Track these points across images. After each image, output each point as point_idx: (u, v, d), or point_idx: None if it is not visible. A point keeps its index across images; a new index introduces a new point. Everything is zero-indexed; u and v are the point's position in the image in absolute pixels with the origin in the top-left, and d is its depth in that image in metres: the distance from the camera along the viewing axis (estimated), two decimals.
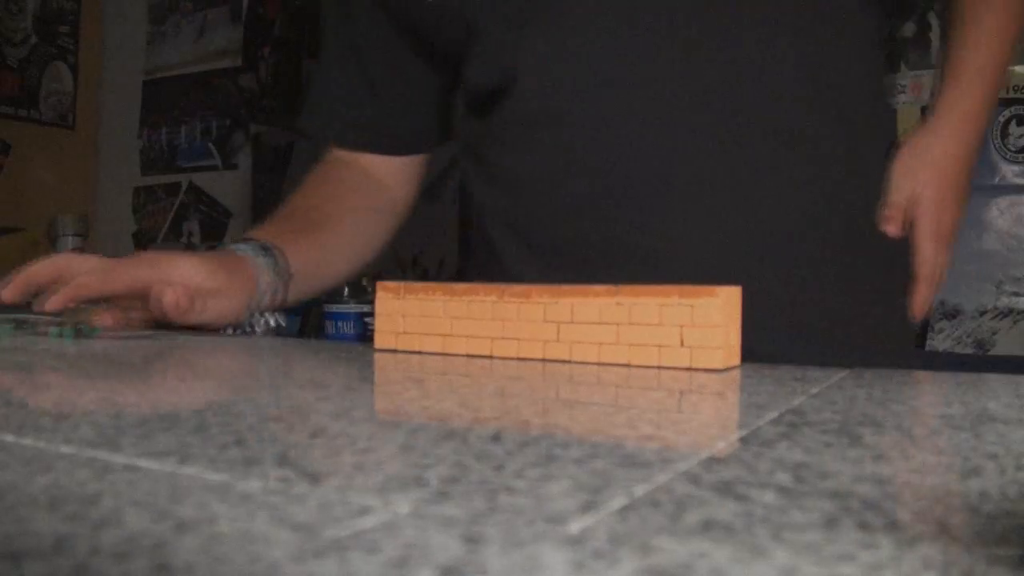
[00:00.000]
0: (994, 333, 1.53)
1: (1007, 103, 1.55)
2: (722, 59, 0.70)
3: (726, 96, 0.70)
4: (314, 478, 0.21)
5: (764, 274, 0.68)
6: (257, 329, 0.78)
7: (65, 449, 0.24)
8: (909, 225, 0.73)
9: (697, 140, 0.70)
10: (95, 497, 0.19)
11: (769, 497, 0.19)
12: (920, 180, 0.73)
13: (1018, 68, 1.54)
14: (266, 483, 0.20)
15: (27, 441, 0.25)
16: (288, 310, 1.98)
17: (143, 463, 0.22)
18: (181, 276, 0.70)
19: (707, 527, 0.17)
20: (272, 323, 0.79)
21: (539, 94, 0.74)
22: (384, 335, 0.55)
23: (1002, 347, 1.52)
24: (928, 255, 0.73)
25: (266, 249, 0.78)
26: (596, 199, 0.72)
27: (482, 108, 0.80)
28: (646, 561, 0.15)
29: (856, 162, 0.75)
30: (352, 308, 1.78)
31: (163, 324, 0.71)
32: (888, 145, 0.78)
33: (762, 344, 0.51)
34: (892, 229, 0.73)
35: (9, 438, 0.26)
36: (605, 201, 0.72)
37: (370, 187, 0.92)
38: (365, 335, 1.72)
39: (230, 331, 0.76)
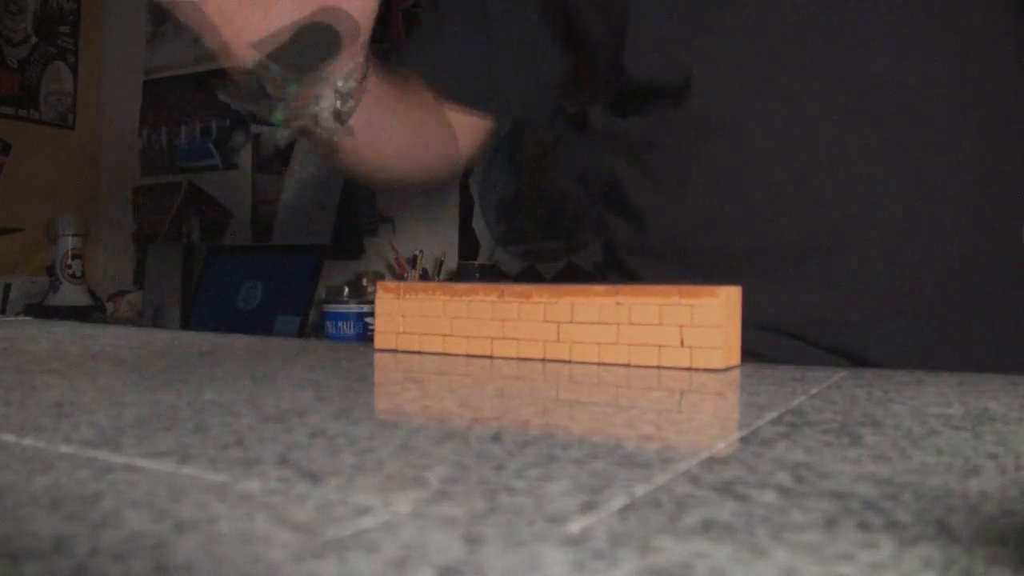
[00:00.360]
0: None
1: None
2: (893, 57, 0.66)
3: (899, 95, 0.66)
4: (314, 478, 0.21)
5: (945, 277, 0.65)
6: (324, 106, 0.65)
7: (65, 449, 0.24)
8: None
9: (871, 143, 0.66)
10: (95, 497, 0.19)
11: (769, 497, 0.19)
12: None
13: None
14: (266, 483, 0.20)
15: (27, 441, 0.25)
16: (286, 310, 1.98)
17: (143, 463, 0.22)
18: None
19: (707, 527, 0.17)
20: (340, 105, 0.65)
21: (716, 97, 0.69)
22: (384, 335, 0.55)
23: None
24: None
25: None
26: (773, 208, 0.67)
27: (637, 105, 0.75)
28: (646, 561, 0.15)
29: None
30: (352, 308, 1.78)
31: None
32: None
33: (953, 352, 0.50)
34: None
35: (9, 438, 0.26)
36: (782, 209, 0.67)
37: (439, 114, 0.85)
38: (365, 335, 1.72)
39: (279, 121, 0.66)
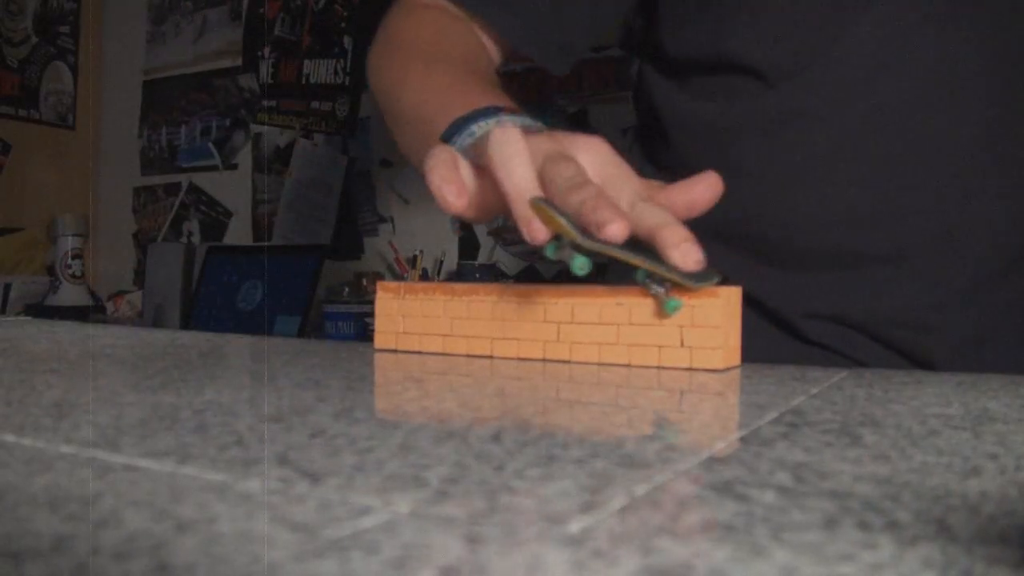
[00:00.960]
0: None
1: None
2: (984, 52, 0.64)
3: (983, 91, 0.64)
4: (314, 478, 0.21)
5: (998, 276, 0.65)
6: None
7: (65, 449, 0.24)
8: None
9: (957, 139, 0.64)
10: (95, 497, 0.19)
11: (769, 497, 0.19)
12: None
13: None
14: (266, 483, 0.20)
15: (27, 441, 0.26)
16: (287, 310, 1.97)
17: (143, 463, 0.22)
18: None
19: (707, 527, 0.17)
20: None
21: (805, 89, 0.66)
22: (384, 335, 0.55)
23: None
24: None
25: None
26: (844, 209, 0.66)
27: (721, 90, 0.71)
28: (646, 561, 0.15)
29: None
30: (352, 308, 1.78)
31: None
32: None
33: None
34: None
35: (9, 438, 0.26)
36: (851, 213, 0.66)
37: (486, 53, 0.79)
38: (365, 335, 1.72)
39: None
